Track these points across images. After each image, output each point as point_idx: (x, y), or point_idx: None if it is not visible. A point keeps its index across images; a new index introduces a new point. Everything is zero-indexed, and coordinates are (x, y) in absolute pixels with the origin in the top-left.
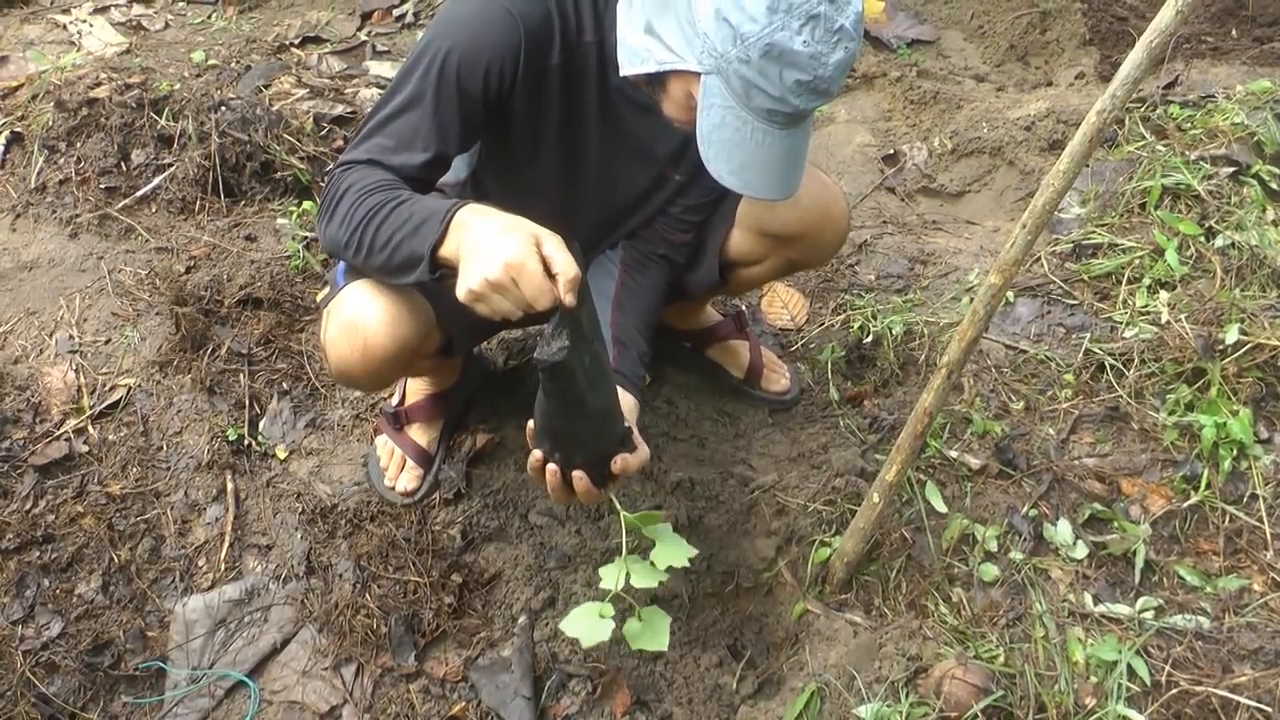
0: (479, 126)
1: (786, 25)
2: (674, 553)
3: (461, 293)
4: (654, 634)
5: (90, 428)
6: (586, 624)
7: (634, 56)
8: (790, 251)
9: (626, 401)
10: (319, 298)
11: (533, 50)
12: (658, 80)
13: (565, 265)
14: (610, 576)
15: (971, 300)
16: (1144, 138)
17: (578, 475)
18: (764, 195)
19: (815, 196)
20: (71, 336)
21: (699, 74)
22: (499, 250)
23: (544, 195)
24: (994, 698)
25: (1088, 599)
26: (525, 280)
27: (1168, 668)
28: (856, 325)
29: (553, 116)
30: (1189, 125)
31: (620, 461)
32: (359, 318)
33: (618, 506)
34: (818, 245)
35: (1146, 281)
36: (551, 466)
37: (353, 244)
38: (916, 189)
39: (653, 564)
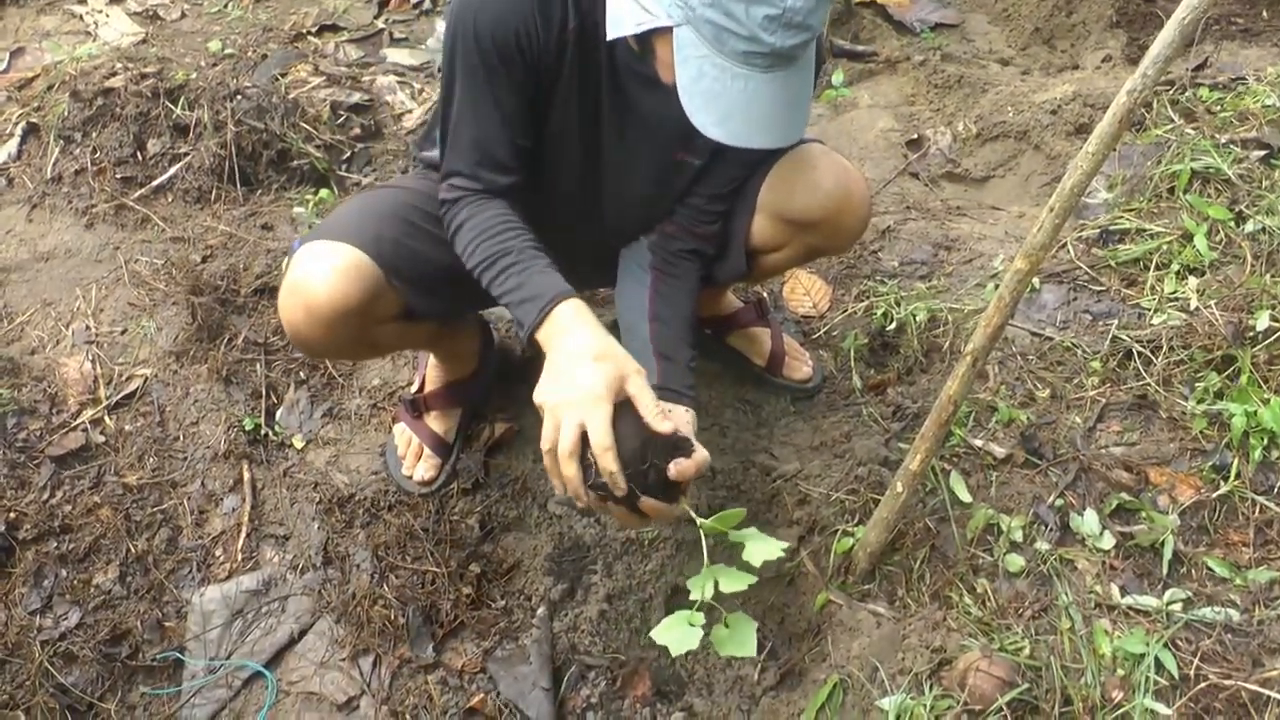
0: (536, 98)
1: None
2: (764, 548)
3: (535, 399)
4: (741, 640)
5: (107, 418)
6: (677, 633)
7: (616, 22)
8: (811, 238)
9: (681, 416)
10: (283, 265)
11: (547, 17)
12: (645, 44)
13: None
14: (698, 587)
15: (996, 287)
16: (1172, 121)
17: (645, 502)
18: (753, 143)
19: (836, 181)
20: (88, 327)
21: (673, 28)
22: (571, 392)
23: (566, 189)
24: (1019, 691)
25: (1114, 591)
26: (564, 464)
27: (1196, 661)
28: (879, 312)
29: (571, 104)
30: (1219, 108)
31: (676, 467)
32: (301, 279)
33: (694, 517)
34: (839, 231)
35: (1175, 267)
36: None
37: (473, 276)
38: (940, 174)
39: (740, 568)
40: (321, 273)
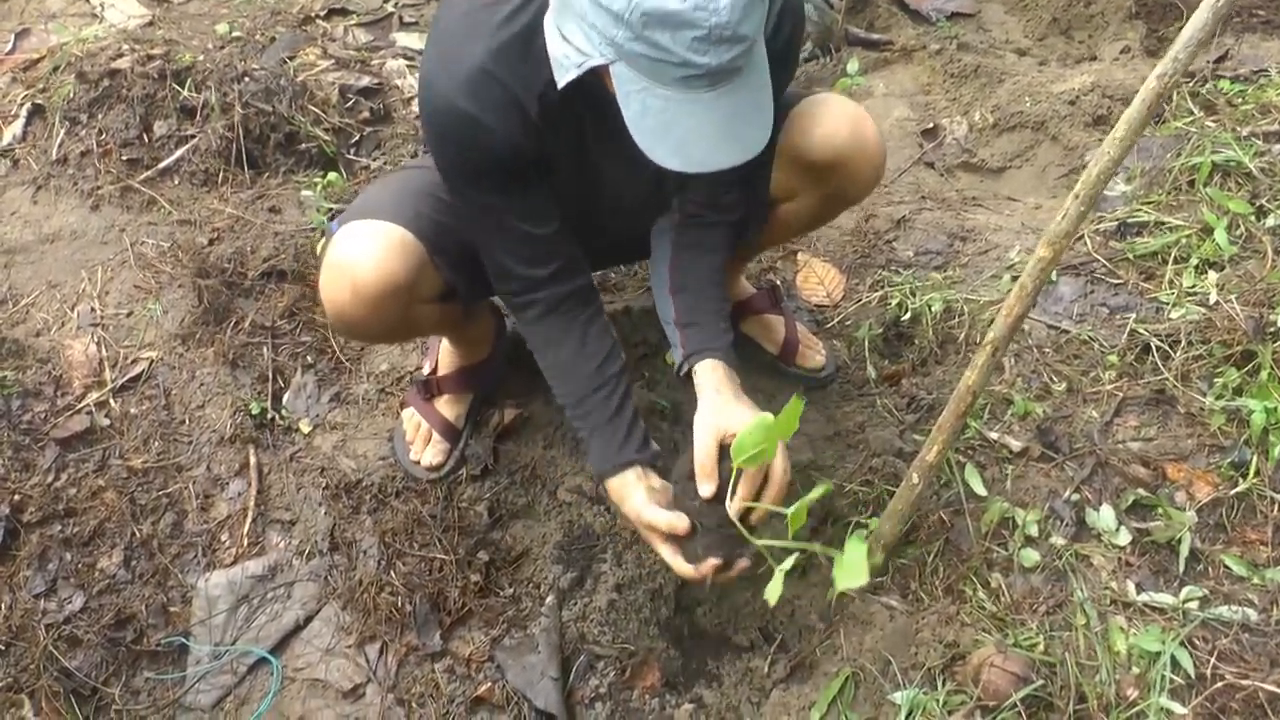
0: (538, 167)
1: None
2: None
3: None
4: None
5: (112, 401)
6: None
7: (559, 66)
8: (827, 186)
9: (721, 373)
10: (318, 248)
11: (514, 115)
12: (595, 75)
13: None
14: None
15: (1013, 278)
16: (1192, 113)
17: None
18: (717, 165)
19: (850, 123)
20: (93, 309)
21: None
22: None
23: (567, 210)
24: (1033, 687)
25: (1130, 587)
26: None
27: (1213, 660)
28: (894, 302)
29: (560, 145)
30: (1240, 100)
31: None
32: (346, 258)
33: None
34: (854, 175)
35: (1194, 261)
36: (712, 562)
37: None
38: (956, 164)
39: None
40: (367, 250)
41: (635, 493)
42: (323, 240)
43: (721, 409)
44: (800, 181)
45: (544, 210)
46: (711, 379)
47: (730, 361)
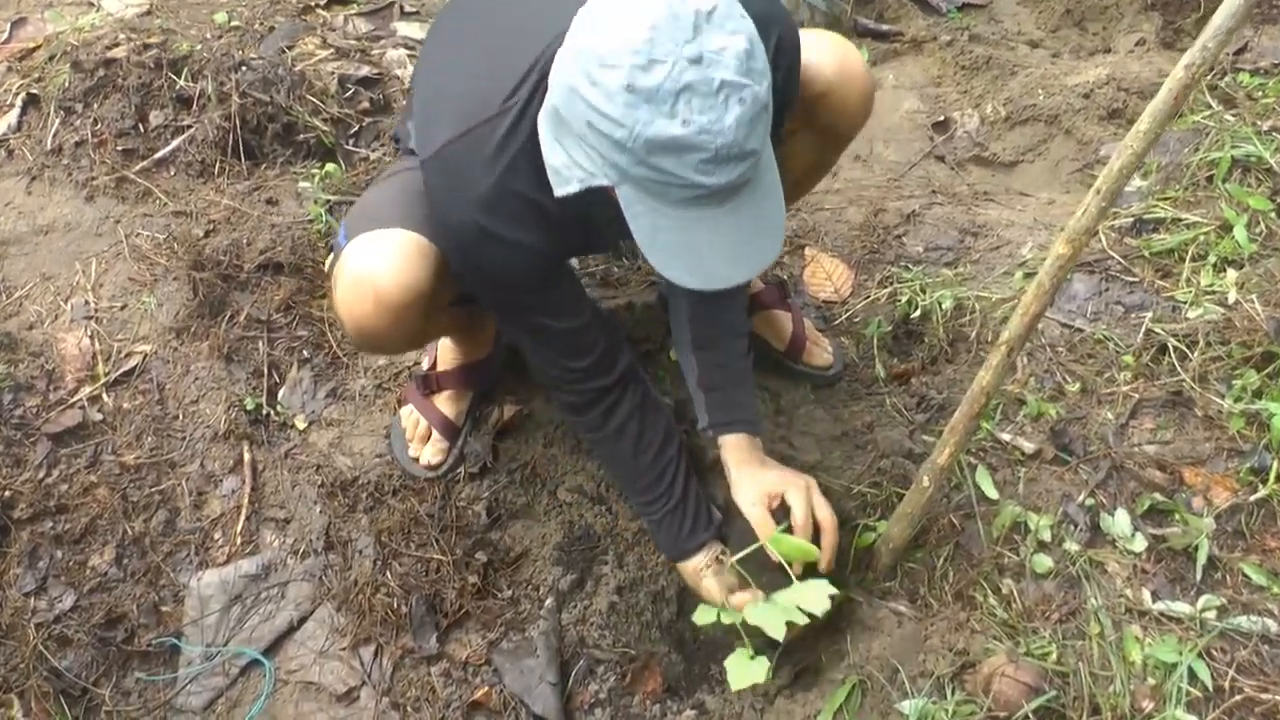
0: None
1: (655, 116)
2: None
3: None
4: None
5: (105, 395)
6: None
7: (558, 178)
8: (819, 119)
9: (746, 445)
10: (326, 264)
11: (547, 200)
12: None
13: None
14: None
15: (1025, 275)
16: (1211, 107)
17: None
18: (733, 281)
19: (832, 54)
20: (87, 302)
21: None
22: None
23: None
24: (1046, 698)
25: (1146, 595)
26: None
27: (1231, 672)
28: (904, 299)
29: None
30: (1260, 94)
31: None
32: (365, 270)
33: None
34: (843, 106)
35: (1212, 259)
36: None
37: None
38: (967, 158)
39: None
40: (386, 260)
41: (711, 584)
42: (330, 257)
43: (759, 478)
44: (791, 120)
45: (575, 302)
46: (737, 455)
47: (756, 431)
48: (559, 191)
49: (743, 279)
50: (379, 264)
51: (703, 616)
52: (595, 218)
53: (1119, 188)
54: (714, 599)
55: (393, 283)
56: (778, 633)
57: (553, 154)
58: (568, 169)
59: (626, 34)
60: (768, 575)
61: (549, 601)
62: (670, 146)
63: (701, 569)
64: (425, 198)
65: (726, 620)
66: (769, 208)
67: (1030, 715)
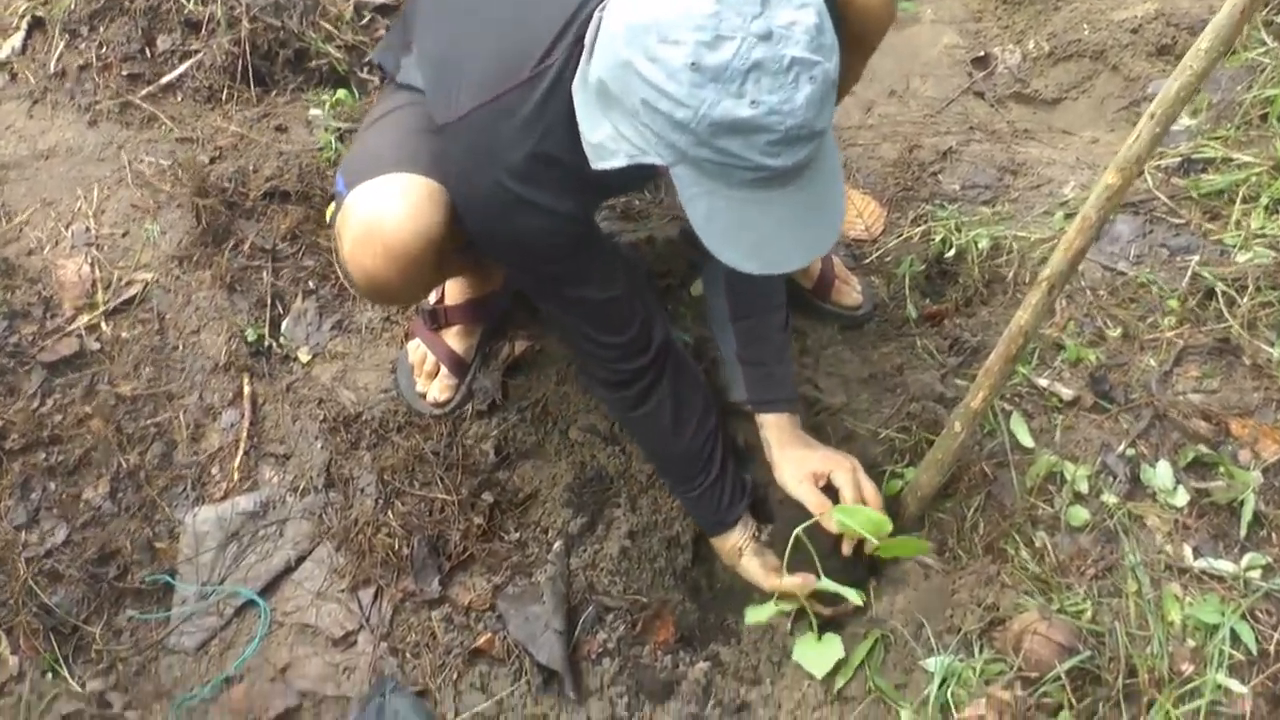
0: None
1: (721, 96)
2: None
3: None
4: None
5: (103, 324)
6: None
7: (600, 152)
8: (841, 27)
9: (786, 423)
10: (328, 215)
11: (586, 166)
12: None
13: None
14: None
15: (1066, 215)
16: (1265, 44)
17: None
18: (791, 266)
19: None
20: (88, 228)
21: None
22: None
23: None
24: (1080, 659)
25: (1187, 552)
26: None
27: (1277, 635)
28: (938, 238)
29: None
30: None
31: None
32: (372, 220)
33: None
34: (865, 7)
35: (1264, 201)
36: None
37: None
38: (1008, 94)
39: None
40: (396, 208)
41: (753, 564)
42: (331, 207)
43: (804, 459)
44: None
45: (610, 270)
46: (779, 435)
47: (796, 409)
48: (599, 165)
49: (803, 263)
50: (388, 213)
51: (755, 615)
52: (634, 174)
53: (1175, 113)
54: (756, 579)
55: (405, 232)
56: (858, 598)
57: (595, 129)
58: (614, 143)
59: (689, 6)
60: (823, 557)
61: (557, 545)
62: (737, 128)
63: (741, 546)
64: (424, 136)
65: (781, 611)
66: (830, 188)
67: (1062, 676)
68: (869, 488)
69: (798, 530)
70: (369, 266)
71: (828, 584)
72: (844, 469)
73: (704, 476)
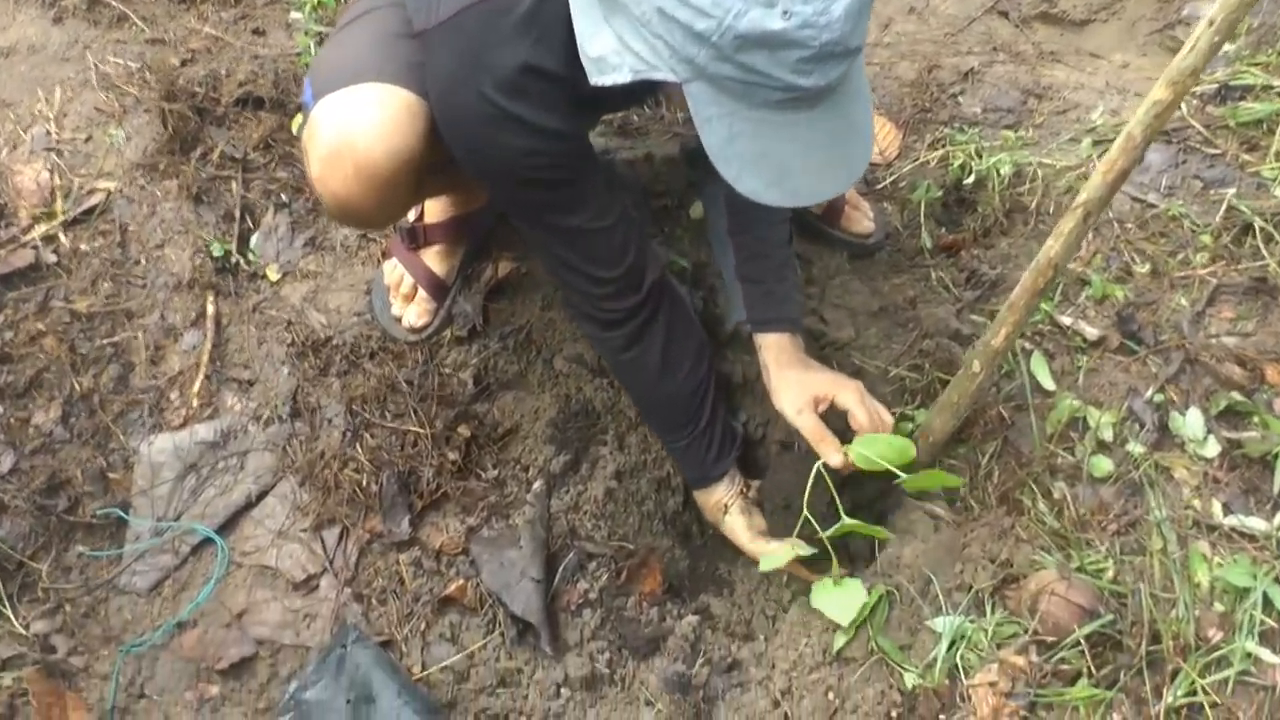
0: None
1: (750, 5)
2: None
3: None
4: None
5: (62, 235)
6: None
7: (600, 65)
8: None
9: (788, 344)
10: (294, 127)
11: (580, 80)
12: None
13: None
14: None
15: (1094, 142)
16: None
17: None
18: (818, 197)
19: None
20: (48, 132)
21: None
22: None
23: None
24: (1100, 623)
25: (1217, 508)
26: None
27: None
28: (957, 163)
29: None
30: None
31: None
32: (342, 137)
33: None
34: None
35: None
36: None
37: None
38: (1034, 14)
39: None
40: (368, 124)
41: (737, 522)
42: (298, 117)
43: (804, 381)
44: None
45: (603, 197)
46: (779, 356)
47: (799, 329)
48: (598, 81)
49: (830, 194)
50: (358, 127)
51: (770, 563)
52: (636, 89)
53: (1238, 18)
54: (739, 539)
55: (377, 149)
56: (884, 534)
57: (595, 40)
58: (617, 56)
59: None
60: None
61: (538, 485)
62: (765, 41)
63: (726, 503)
64: (403, 40)
65: (801, 557)
66: (859, 112)
67: (1081, 641)
68: (880, 410)
69: (818, 465)
70: (337, 188)
71: (805, 549)
72: (849, 390)
73: (693, 426)
